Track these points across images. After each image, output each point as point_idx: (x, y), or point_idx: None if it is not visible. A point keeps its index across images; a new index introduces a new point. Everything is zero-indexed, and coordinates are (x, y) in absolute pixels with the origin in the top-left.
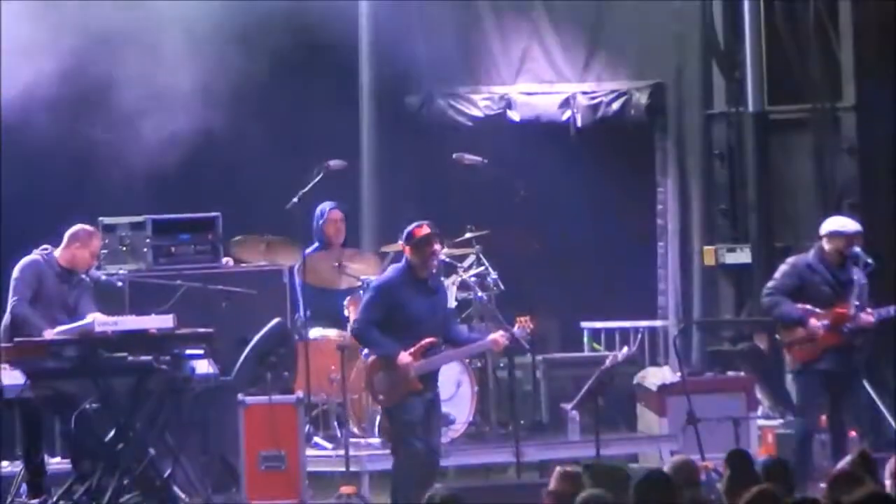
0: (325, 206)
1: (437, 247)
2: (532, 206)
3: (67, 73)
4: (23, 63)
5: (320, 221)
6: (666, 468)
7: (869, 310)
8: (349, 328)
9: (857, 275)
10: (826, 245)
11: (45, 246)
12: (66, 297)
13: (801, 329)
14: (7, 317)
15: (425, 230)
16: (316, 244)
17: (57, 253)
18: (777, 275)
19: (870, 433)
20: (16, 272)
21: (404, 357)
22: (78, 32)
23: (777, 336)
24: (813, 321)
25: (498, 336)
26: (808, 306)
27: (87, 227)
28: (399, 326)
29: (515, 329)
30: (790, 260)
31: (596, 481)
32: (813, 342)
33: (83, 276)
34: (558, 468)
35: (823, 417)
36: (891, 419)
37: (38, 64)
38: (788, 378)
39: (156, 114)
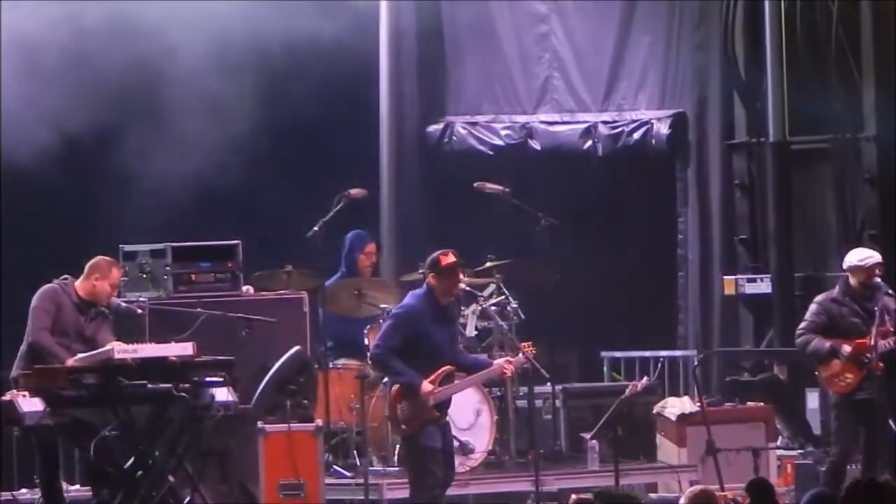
0: (360, 237)
1: (461, 275)
2: (553, 235)
3: (85, 102)
4: (41, 94)
5: (356, 253)
6: (684, 498)
7: None
8: (369, 354)
9: (885, 302)
10: (850, 278)
11: (65, 276)
12: (82, 327)
13: (836, 362)
14: (25, 345)
15: (451, 258)
16: (341, 272)
17: (77, 284)
18: (807, 315)
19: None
20: (34, 300)
21: (427, 387)
22: (97, 59)
23: (815, 372)
24: (845, 348)
25: (503, 362)
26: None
27: (107, 258)
28: (419, 354)
29: (520, 356)
30: (818, 298)
31: None
32: (848, 375)
33: (102, 307)
34: (573, 496)
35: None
36: None
37: (57, 88)
38: (810, 409)
39: (175, 145)
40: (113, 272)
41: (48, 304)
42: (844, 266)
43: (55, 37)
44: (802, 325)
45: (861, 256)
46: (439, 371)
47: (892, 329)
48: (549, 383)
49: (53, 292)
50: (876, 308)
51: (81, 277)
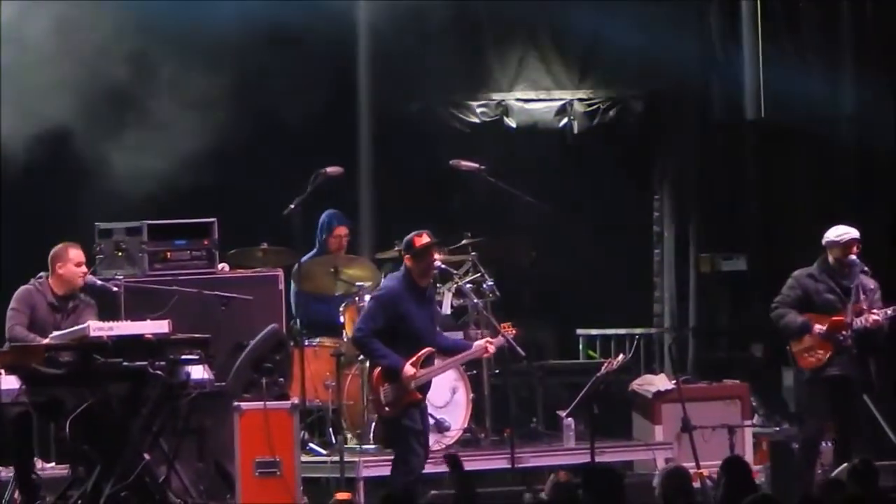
0: (332, 218)
1: (436, 256)
2: (528, 212)
3: (67, 81)
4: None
5: (324, 234)
6: (658, 476)
7: (874, 310)
8: (350, 336)
9: (862, 280)
10: (828, 254)
11: (40, 274)
12: (58, 325)
13: (807, 338)
14: (7, 344)
15: (426, 239)
16: (315, 251)
17: (50, 281)
18: (783, 289)
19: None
20: (12, 302)
21: (409, 370)
22: (80, 43)
23: (787, 347)
24: (817, 327)
25: (484, 343)
26: (811, 315)
27: (60, 244)
28: (401, 337)
29: (499, 337)
30: (795, 273)
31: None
32: (819, 350)
33: (80, 296)
34: (552, 476)
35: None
36: (888, 430)
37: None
38: (785, 386)
39: (150, 123)
40: (70, 252)
41: (22, 306)
42: (823, 242)
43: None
44: (777, 298)
45: (838, 232)
46: (420, 353)
47: (865, 307)
48: (524, 361)
49: (27, 294)
50: (852, 285)
51: (50, 274)
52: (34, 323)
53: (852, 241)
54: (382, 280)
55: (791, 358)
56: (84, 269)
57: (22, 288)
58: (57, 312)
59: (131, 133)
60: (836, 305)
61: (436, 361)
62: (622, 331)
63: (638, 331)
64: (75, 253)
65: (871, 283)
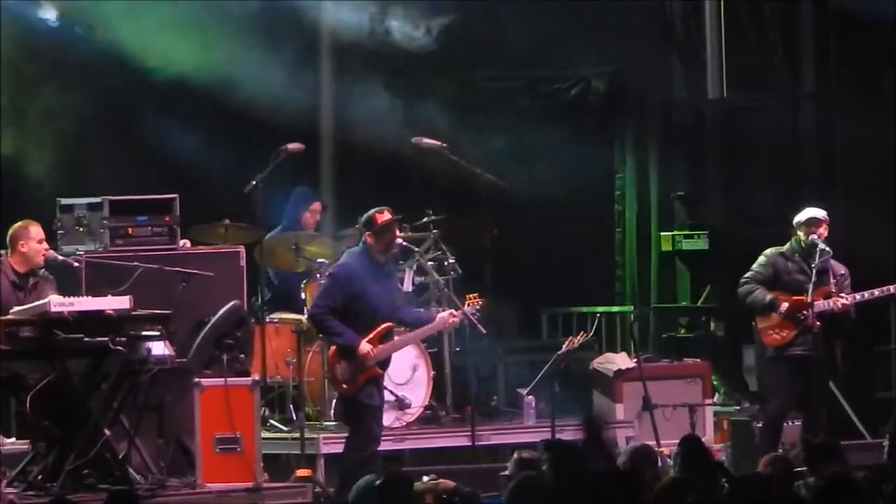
0: (308, 193)
1: (397, 232)
2: (490, 190)
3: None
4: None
5: (302, 209)
6: (624, 453)
7: (843, 294)
8: (306, 313)
9: (832, 265)
10: (799, 234)
11: None
12: (22, 303)
13: (773, 315)
14: None
15: (387, 216)
16: (282, 226)
17: (10, 259)
18: (754, 265)
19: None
20: None
21: (365, 347)
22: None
23: (753, 323)
24: (784, 305)
25: (447, 315)
26: (778, 293)
27: (18, 222)
28: (357, 313)
29: (465, 308)
30: (767, 251)
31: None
32: (783, 329)
33: (40, 272)
34: (515, 453)
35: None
36: (850, 412)
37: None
38: (746, 365)
39: (113, 96)
40: (31, 230)
41: None
42: (794, 223)
43: None
44: (748, 274)
45: (806, 213)
46: (378, 329)
47: (834, 290)
48: (485, 338)
49: None
50: (815, 266)
51: (9, 252)
52: None
53: (813, 220)
54: (342, 256)
55: (756, 334)
56: (45, 245)
57: None
58: (19, 290)
59: (93, 109)
60: (804, 286)
61: (395, 336)
62: (584, 309)
63: (599, 309)
64: (36, 230)
65: (841, 269)
